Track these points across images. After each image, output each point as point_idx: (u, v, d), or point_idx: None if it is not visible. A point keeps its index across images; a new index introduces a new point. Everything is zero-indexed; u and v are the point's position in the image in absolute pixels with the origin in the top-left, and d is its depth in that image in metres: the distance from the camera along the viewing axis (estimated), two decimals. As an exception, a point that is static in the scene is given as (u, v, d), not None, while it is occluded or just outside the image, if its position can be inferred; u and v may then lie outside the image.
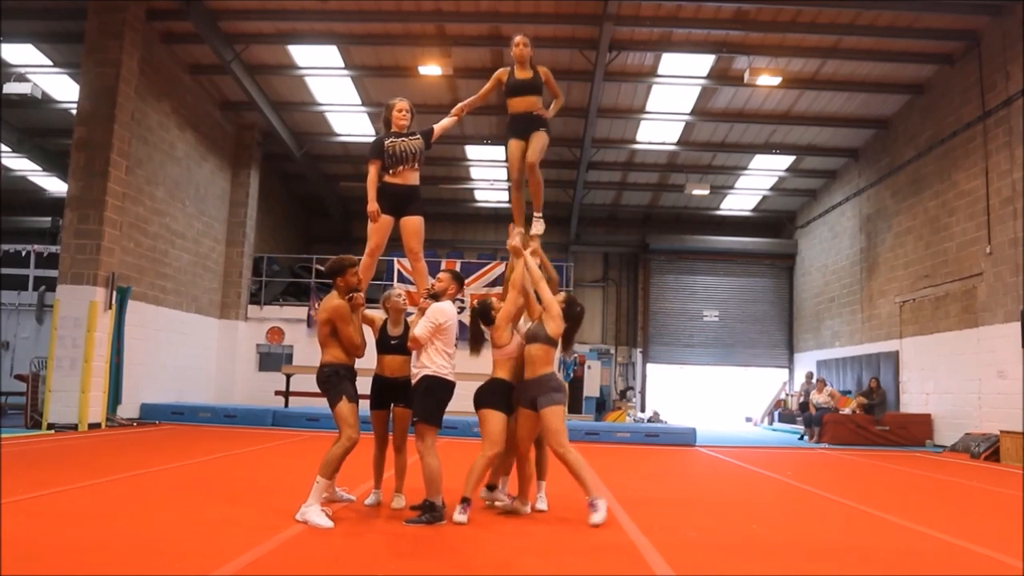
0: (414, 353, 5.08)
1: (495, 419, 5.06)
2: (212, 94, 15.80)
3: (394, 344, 5.33)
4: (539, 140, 5.87)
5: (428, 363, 4.97)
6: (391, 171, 5.58)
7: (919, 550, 4.65)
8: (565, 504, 5.49)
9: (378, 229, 5.54)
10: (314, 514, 4.61)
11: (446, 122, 5.98)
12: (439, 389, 4.96)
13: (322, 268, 18.05)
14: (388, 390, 5.36)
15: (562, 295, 5.47)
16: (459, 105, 6.15)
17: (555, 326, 5.16)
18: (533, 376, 5.11)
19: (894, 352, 15.29)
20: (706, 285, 22.04)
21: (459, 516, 4.82)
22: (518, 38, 5.95)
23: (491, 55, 13.99)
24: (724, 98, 15.19)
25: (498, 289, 16.74)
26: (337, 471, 4.93)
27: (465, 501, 4.87)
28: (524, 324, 5.52)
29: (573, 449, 5.04)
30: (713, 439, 13.76)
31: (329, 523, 4.57)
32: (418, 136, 5.70)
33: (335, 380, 4.98)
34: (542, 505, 5.48)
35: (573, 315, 5.35)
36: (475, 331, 5.42)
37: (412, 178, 5.63)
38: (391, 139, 5.63)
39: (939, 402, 13.75)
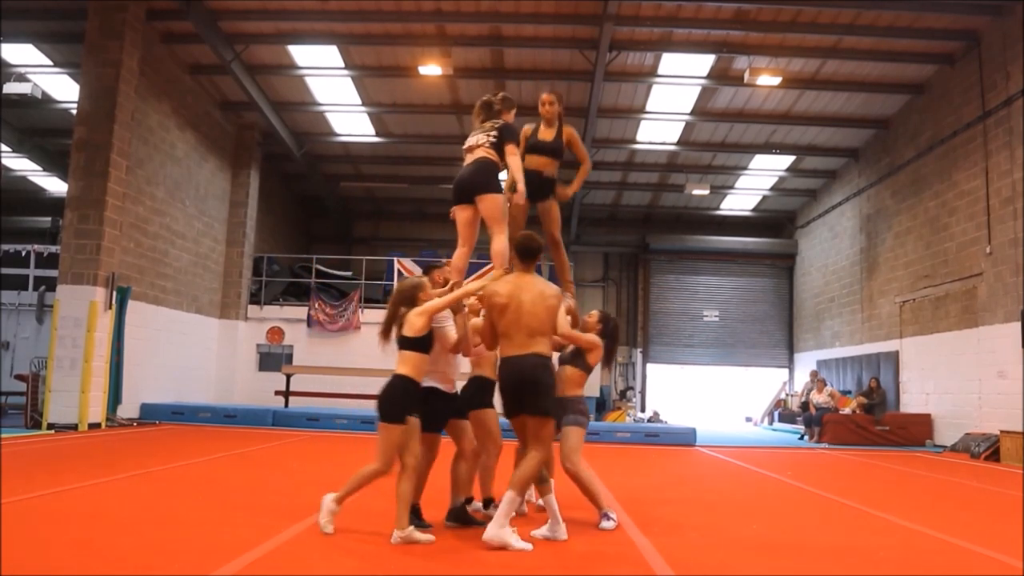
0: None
1: (490, 416, 4.88)
2: (212, 94, 15.80)
3: None
4: (552, 213, 5.57)
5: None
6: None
7: (919, 550, 4.65)
8: (568, 504, 5.47)
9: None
10: (513, 539, 4.23)
11: None
12: None
13: (322, 268, 18.08)
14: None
15: (596, 314, 5.29)
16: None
17: (597, 356, 5.06)
18: (561, 395, 4.90)
19: (894, 352, 15.28)
20: (706, 285, 22.04)
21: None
22: (546, 96, 5.55)
23: (491, 55, 13.99)
24: (724, 98, 15.19)
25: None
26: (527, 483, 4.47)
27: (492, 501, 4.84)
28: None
29: (585, 467, 4.90)
30: (713, 439, 13.75)
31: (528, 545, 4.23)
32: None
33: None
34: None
35: (608, 333, 5.19)
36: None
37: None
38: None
39: (939, 402, 13.74)
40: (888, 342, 15.61)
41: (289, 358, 16.73)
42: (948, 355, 13.41)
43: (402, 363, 4.37)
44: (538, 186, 5.45)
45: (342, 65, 14.25)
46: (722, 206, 21.30)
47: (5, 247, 13.99)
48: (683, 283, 22.06)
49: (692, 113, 15.81)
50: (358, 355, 16.33)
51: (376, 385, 15.29)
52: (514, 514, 4.38)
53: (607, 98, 14.97)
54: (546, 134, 5.57)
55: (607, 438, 12.55)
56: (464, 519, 4.74)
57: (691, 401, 21.49)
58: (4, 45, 13.31)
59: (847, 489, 7.39)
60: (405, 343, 4.40)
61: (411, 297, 4.47)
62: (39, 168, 18.39)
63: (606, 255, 22.28)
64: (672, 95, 15.13)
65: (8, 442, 8.65)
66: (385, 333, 4.47)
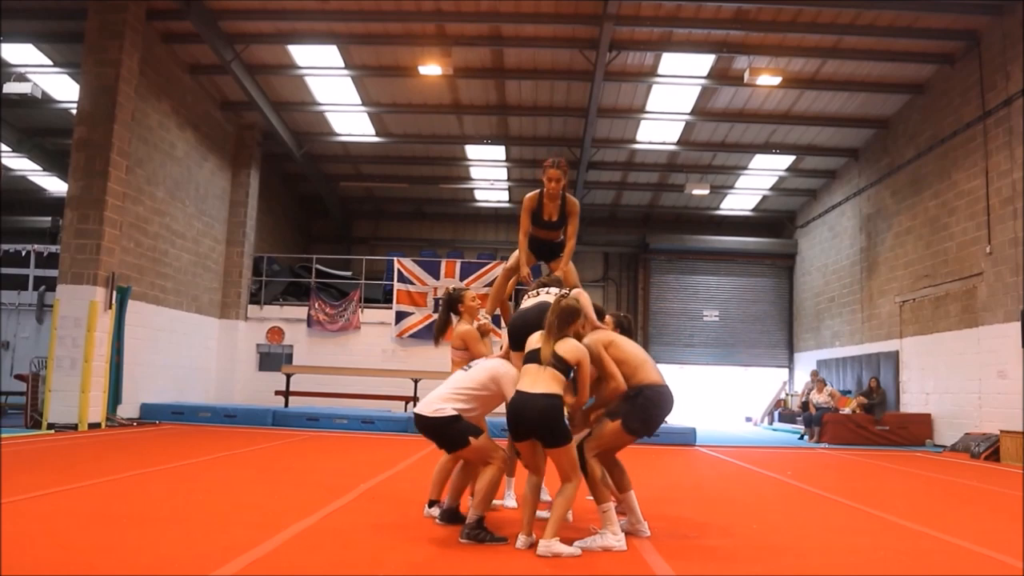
0: None
1: None
2: (212, 94, 15.80)
3: None
4: (567, 274, 5.69)
5: None
6: None
7: (919, 550, 4.65)
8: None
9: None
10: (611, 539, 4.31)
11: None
12: None
13: (322, 268, 18.07)
14: None
15: (610, 319, 5.19)
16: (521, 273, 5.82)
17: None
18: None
19: (894, 352, 15.28)
20: (706, 285, 22.06)
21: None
22: (552, 171, 5.39)
23: (491, 55, 13.99)
24: (724, 98, 15.19)
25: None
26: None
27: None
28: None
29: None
30: (713, 439, 13.75)
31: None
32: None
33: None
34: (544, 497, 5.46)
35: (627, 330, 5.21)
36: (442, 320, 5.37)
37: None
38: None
39: (939, 402, 13.75)
40: (888, 342, 15.62)
41: (289, 358, 16.73)
42: (948, 355, 13.41)
43: (555, 383, 4.21)
44: (548, 250, 5.81)
45: (342, 65, 14.26)
46: (722, 206, 21.30)
47: (5, 247, 13.99)
48: (683, 283, 22.07)
49: (692, 113, 15.81)
50: (358, 355, 16.35)
51: (375, 385, 15.29)
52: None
53: (607, 98, 14.97)
54: (551, 211, 5.57)
55: (607, 438, 12.52)
56: (457, 519, 4.69)
57: (691, 401, 21.47)
58: (4, 45, 13.31)
59: (847, 489, 7.39)
60: (557, 362, 4.27)
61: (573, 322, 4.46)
62: (39, 168, 18.40)
63: (606, 255, 22.29)
64: (672, 95, 15.13)
65: (8, 442, 8.66)
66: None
